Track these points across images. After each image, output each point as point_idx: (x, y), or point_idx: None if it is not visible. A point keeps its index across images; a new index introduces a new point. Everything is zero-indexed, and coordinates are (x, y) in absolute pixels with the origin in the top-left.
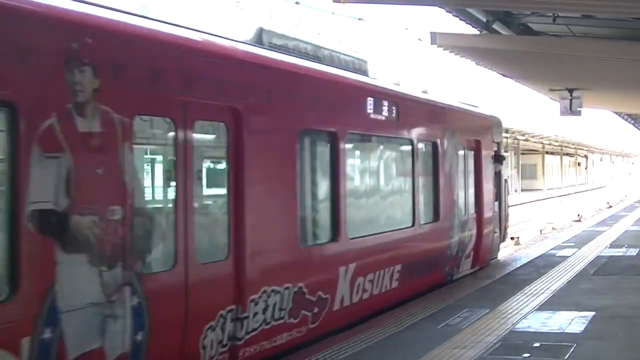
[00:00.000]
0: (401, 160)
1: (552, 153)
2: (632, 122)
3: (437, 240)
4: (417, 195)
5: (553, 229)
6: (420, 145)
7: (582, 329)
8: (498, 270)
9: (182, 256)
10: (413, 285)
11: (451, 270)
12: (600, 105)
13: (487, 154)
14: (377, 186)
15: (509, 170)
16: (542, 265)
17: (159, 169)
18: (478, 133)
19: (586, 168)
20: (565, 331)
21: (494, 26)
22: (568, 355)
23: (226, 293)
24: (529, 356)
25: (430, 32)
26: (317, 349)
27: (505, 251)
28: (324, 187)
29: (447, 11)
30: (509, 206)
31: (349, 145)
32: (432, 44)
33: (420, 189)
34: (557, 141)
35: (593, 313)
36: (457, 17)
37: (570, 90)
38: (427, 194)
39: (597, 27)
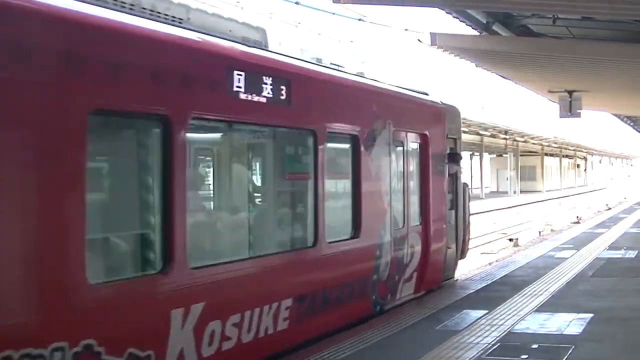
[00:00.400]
0: (294, 157)
1: (551, 155)
2: (631, 124)
3: (356, 262)
4: (320, 205)
5: (552, 230)
6: (329, 139)
7: (580, 330)
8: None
9: None
10: (317, 323)
11: (381, 299)
12: (599, 107)
13: (438, 151)
14: (247, 194)
15: (507, 172)
16: (541, 266)
17: None
18: (425, 125)
19: (585, 170)
20: (564, 333)
21: (494, 27)
22: (566, 357)
23: None
24: (527, 357)
25: (430, 33)
26: (316, 349)
27: (503, 253)
28: (143, 194)
29: (447, 12)
30: (470, 215)
31: (194, 136)
32: (432, 45)
33: (327, 197)
34: (556, 143)
35: (591, 315)
36: (457, 18)
37: (570, 92)
38: (339, 203)
39: (596, 29)
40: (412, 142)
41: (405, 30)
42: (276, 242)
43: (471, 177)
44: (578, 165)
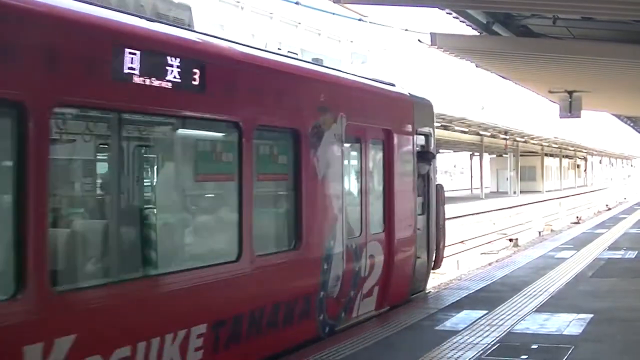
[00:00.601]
0: (210, 155)
1: (551, 155)
2: (631, 124)
3: (296, 278)
4: (247, 212)
5: (552, 231)
6: (259, 133)
7: (580, 331)
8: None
9: None
10: (242, 352)
11: (331, 318)
12: (599, 107)
13: (404, 149)
14: (141, 198)
15: (507, 172)
16: (541, 267)
17: None
18: (388, 120)
19: (585, 170)
20: (563, 333)
21: (494, 28)
22: (566, 357)
23: None
24: (526, 358)
25: (431, 33)
26: (315, 349)
27: (503, 253)
28: None
29: (447, 13)
30: (445, 219)
31: (62, 127)
32: (432, 45)
33: (256, 202)
34: (556, 143)
35: (591, 315)
36: (457, 18)
37: (570, 93)
38: (274, 209)
39: (597, 29)
40: (373, 139)
41: (406, 30)
42: (182, 257)
43: (471, 177)
44: (578, 166)
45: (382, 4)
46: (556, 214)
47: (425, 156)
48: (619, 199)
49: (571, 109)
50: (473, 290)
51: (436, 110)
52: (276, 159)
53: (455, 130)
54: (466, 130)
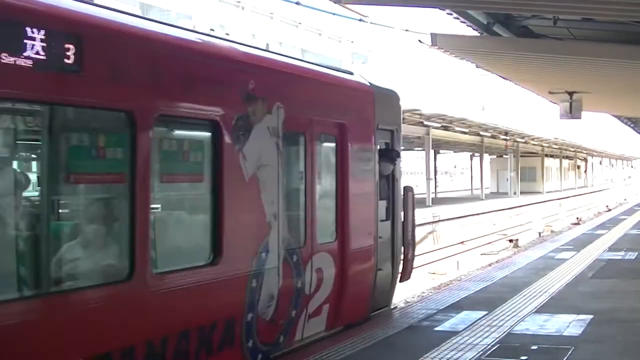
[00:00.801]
0: (87, 151)
1: (551, 156)
2: (631, 125)
3: (214, 299)
4: (141, 221)
5: (552, 231)
6: (162, 124)
7: (580, 332)
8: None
9: None
10: None
11: (264, 344)
12: (600, 108)
13: (362, 147)
14: None
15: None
16: (541, 267)
17: None
18: (342, 112)
19: (585, 171)
20: (563, 334)
21: (495, 28)
22: (566, 358)
23: None
24: (526, 359)
25: (431, 34)
26: (314, 350)
27: (503, 254)
28: None
29: (447, 13)
30: (415, 226)
31: None
32: (432, 45)
33: (157, 209)
34: (556, 144)
35: (591, 316)
36: (457, 19)
37: (570, 93)
38: (184, 218)
39: (597, 30)
40: (321, 134)
41: (406, 31)
42: (50, 278)
43: (471, 177)
44: (578, 167)
45: (383, 4)
46: (556, 214)
47: (388, 155)
48: (619, 200)
49: (571, 110)
50: (473, 291)
51: (437, 110)
52: (187, 156)
53: (455, 131)
54: (466, 130)
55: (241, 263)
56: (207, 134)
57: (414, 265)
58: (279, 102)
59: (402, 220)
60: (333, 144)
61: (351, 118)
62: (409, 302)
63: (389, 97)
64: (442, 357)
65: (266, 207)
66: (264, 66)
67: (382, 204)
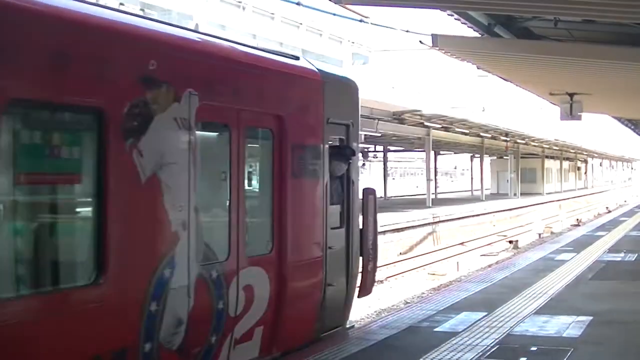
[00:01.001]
0: None
1: (551, 157)
2: (632, 127)
3: (96, 328)
4: None
5: (552, 233)
6: (13, 112)
7: (579, 333)
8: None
9: None
10: None
11: None
12: (600, 110)
13: (307, 143)
14: None
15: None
16: (541, 269)
17: None
18: (279, 102)
19: (585, 173)
20: (563, 335)
21: (496, 29)
22: (565, 359)
23: None
24: None
25: (432, 35)
26: (312, 350)
27: (503, 255)
28: None
29: (448, 14)
30: (377, 234)
31: None
32: (433, 46)
33: (9, 215)
34: (557, 145)
35: (591, 317)
36: (458, 20)
37: (571, 95)
38: (49, 225)
39: (598, 31)
40: (252, 128)
41: (407, 31)
42: None
43: (471, 178)
44: (579, 168)
45: (383, 5)
46: (556, 216)
47: (341, 153)
48: (619, 202)
49: (572, 111)
50: (472, 292)
51: (438, 111)
52: (58, 152)
53: (456, 132)
54: (467, 131)
55: (134, 282)
56: (86, 125)
57: (376, 278)
58: (192, 89)
59: (361, 227)
60: (269, 140)
61: (292, 109)
62: (408, 302)
63: (344, 87)
64: (441, 358)
65: (171, 214)
66: (170, 44)
67: (334, 210)
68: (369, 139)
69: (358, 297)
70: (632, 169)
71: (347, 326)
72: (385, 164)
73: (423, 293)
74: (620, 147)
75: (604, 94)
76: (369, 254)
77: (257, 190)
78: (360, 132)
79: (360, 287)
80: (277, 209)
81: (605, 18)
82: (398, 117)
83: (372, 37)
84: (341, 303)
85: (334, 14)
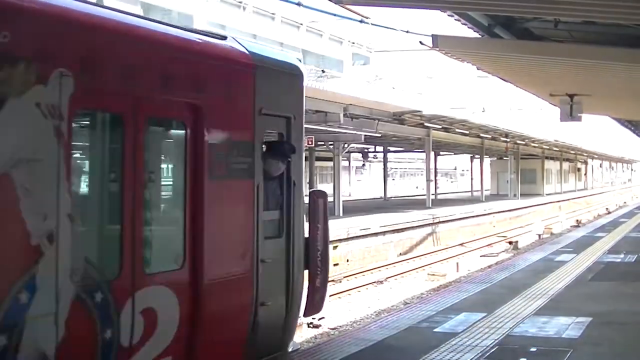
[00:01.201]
0: None
1: (551, 158)
2: (632, 128)
3: None
4: None
5: (552, 234)
6: None
7: (579, 334)
8: None
9: None
10: None
11: None
12: (600, 111)
13: (232, 137)
14: None
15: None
16: (541, 270)
17: None
18: (196, 89)
19: (585, 174)
20: (562, 336)
21: (496, 30)
22: None
23: None
24: None
25: (432, 35)
26: (312, 350)
27: (503, 256)
28: None
29: (448, 15)
30: (328, 242)
31: None
32: (433, 47)
33: None
34: (557, 146)
35: (590, 318)
36: (458, 20)
37: (571, 96)
38: None
39: (598, 32)
40: (156, 119)
41: (407, 32)
42: None
43: (471, 179)
44: (578, 169)
45: (383, 5)
46: (556, 217)
47: (278, 150)
48: (619, 203)
49: (572, 112)
50: (472, 293)
51: (438, 112)
52: None
53: (456, 133)
54: (467, 132)
55: None
56: None
57: (327, 294)
58: (64, 68)
59: (307, 236)
60: (180, 133)
61: (212, 98)
62: (408, 303)
63: (284, 73)
64: (441, 359)
65: (30, 223)
66: (34, 12)
67: (270, 216)
68: (369, 140)
69: (304, 315)
70: (632, 170)
71: (291, 350)
72: (385, 165)
73: (423, 294)
74: (620, 148)
75: (604, 95)
76: (317, 266)
77: (163, 194)
78: (360, 132)
79: (306, 304)
80: (191, 217)
81: (606, 19)
82: (398, 118)
83: (372, 38)
84: (279, 325)
85: (335, 15)
